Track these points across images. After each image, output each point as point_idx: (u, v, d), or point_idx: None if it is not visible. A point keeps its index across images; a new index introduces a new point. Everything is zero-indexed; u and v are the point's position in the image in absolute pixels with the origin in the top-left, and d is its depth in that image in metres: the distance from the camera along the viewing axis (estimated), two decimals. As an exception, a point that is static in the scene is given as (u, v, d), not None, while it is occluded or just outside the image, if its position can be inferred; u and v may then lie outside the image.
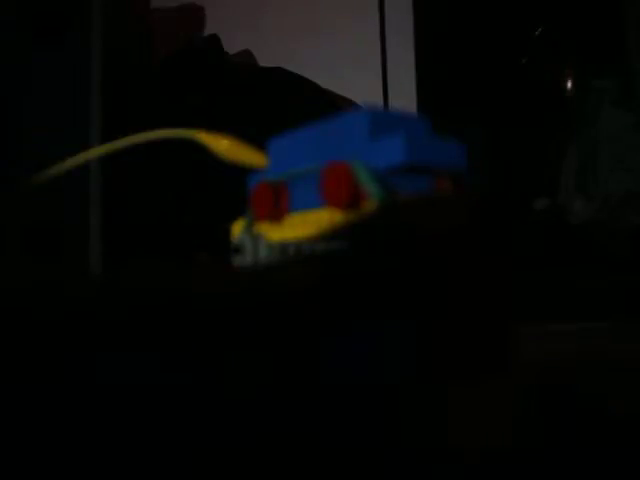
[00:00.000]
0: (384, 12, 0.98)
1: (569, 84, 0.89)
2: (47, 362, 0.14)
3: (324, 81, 0.88)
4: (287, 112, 0.68)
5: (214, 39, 0.87)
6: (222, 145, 0.28)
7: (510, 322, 0.19)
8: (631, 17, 0.85)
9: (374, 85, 0.97)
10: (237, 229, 0.27)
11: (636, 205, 0.74)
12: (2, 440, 0.14)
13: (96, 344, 0.15)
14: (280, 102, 0.80)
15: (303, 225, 0.24)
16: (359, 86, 0.93)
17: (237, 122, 0.46)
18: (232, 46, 0.90)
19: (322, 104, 0.84)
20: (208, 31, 0.92)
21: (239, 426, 0.15)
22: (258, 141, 0.28)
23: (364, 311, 0.17)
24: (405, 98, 0.95)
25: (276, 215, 0.26)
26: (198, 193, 0.76)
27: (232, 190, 0.32)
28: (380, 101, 0.97)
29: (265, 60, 0.94)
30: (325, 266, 0.18)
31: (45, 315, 0.15)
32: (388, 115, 0.24)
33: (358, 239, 0.20)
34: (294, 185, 0.25)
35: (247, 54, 0.95)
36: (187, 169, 0.72)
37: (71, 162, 0.31)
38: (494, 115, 0.91)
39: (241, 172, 0.28)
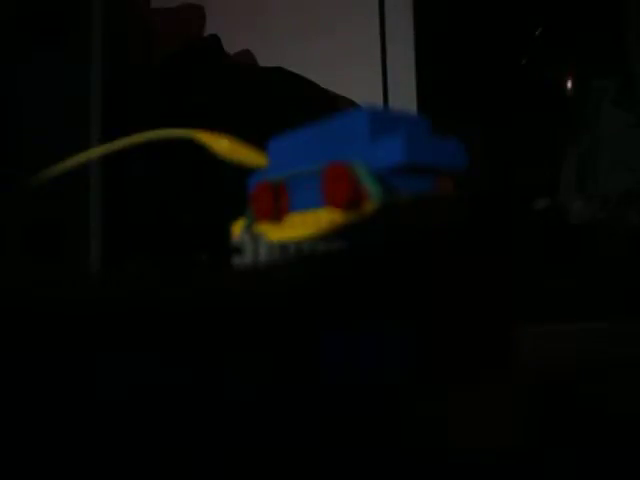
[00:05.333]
0: (384, 12, 0.98)
1: (569, 84, 0.89)
2: (47, 362, 0.14)
3: (324, 81, 0.88)
4: (287, 112, 0.68)
5: (214, 39, 0.87)
6: (222, 145, 0.28)
7: (510, 322, 0.19)
8: (631, 17, 0.85)
9: (374, 85, 0.97)
10: (237, 229, 0.27)
11: (636, 205, 0.74)
12: (2, 440, 0.14)
13: (96, 344, 0.15)
14: (280, 102, 0.80)
15: (303, 225, 0.24)
16: (359, 86, 0.93)
17: (237, 122, 0.46)
18: (232, 46, 0.90)
19: (322, 104, 0.84)
20: (208, 31, 0.92)
21: (239, 426, 0.15)
22: (258, 141, 0.28)
23: (364, 311, 0.17)
24: (405, 98, 0.95)
25: (276, 215, 0.26)
26: (198, 193, 0.76)
27: (232, 190, 0.32)
28: (380, 101, 0.97)
29: (265, 60, 0.94)
30: (325, 266, 0.18)
31: (45, 315, 0.15)
32: (388, 115, 0.24)
33: (358, 239, 0.20)
34: (294, 185, 0.25)
35: (247, 54, 0.95)
36: (187, 169, 0.72)
37: (71, 162, 0.31)
38: (494, 115, 0.91)
39: (241, 172, 0.28)
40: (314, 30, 0.96)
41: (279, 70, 0.87)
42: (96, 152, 0.39)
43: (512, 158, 0.89)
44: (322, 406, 0.16)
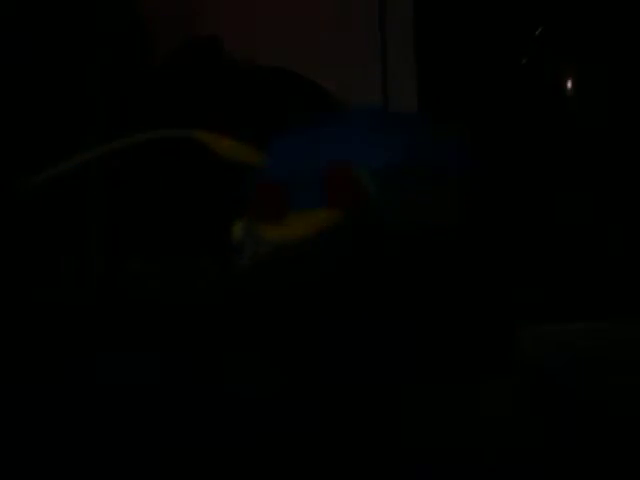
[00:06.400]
0: (384, 12, 0.98)
1: (569, 84, 0.89)
2: (47, 362, 0.14)
3: (324, 81, 0.88)
4: (287, 112, 0.68)
5: (214, 39, 0.88)
6: (222, 145, 0.29)
7: (510, 322, 0.19)
8: (631, 17, 0.85)
9: (374, 85, 0.97)
10: (237, 229, 0.27)
11: (635, 204, 0.74)
12: (3, 440, 0.14)
13: (96, 344, 0.15)
14: (280, 102, 0.80)
15: (303, 225, 0.24)
16: (359, 86, 0.93)
17: (237, 122, 0.46)
18: (232, 46, 0.90)
19: (322, 104, 0.84)
20: (208, 31, 0.92)
21: (239, 425, 0.15)
22: (258, 141, 0.28)
23: (364, 310, 0.17)
24: (405, 98, 0.95)
25: (276, 215, 0.26)
26: (198, 193, 0.76)
27: (232, 190, 0.33)
28: (380, 101, 0.96)
29: (265, 60, 0.93)
30: (325, 265, 0.18)
31: (45, 315, 0.15)
32: (388, 115, 0.24)
33: (358, 239, 0.20)
34: (294, 185, 0.25)
35: (247, 54, 0.95)
36: (187, 169, 0.72)
37: (71, 162, 0.31)
38: (494, 115, 0.91)
39: (241, 172, 0.28)
40: (314, 30, 0.96)
41: (279, 70, 0.87)
42: (96, 152, 0.39)
43: (511, 157, 0.89)
44: (321, 406, 0.16)
